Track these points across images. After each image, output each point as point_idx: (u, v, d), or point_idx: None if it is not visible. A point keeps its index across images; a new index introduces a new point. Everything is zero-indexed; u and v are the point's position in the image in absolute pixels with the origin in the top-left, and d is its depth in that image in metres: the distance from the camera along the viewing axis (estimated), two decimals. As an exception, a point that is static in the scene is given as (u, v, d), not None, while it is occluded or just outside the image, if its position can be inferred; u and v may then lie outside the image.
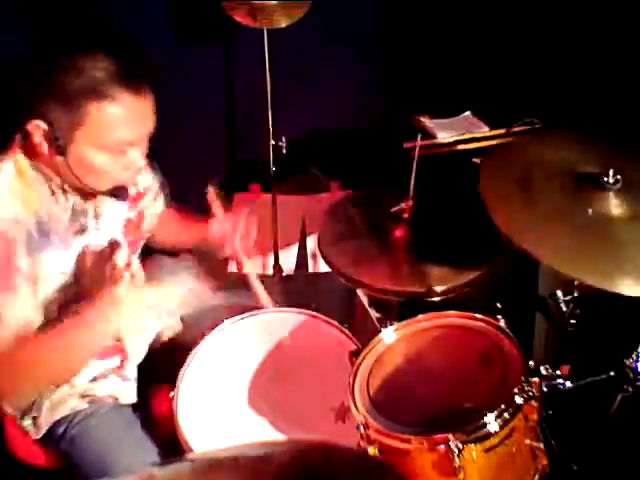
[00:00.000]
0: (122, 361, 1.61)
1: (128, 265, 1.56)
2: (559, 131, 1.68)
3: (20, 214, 1.31)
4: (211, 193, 1.67)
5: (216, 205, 1.68)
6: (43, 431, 1.54)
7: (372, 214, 1.85)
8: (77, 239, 1.42)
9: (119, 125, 1.26)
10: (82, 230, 1.43)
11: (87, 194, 1.41)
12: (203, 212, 1.73)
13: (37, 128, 1.26)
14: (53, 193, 1.37)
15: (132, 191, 1.56)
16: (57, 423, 1.53)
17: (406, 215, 1.73)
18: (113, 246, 1.49)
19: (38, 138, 1.28)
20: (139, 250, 1.65)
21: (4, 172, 1.32)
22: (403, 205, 1.73)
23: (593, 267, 1.35)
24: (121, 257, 1.51)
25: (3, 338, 1.28)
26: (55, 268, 1.38)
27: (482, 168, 1.56)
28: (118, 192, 1.39)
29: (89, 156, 1.29)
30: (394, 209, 1.75)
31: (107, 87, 1.23)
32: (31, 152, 1.33)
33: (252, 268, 1.67)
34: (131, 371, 1.64)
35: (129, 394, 1.61)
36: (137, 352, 1.64)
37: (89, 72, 1.22)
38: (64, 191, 1.38)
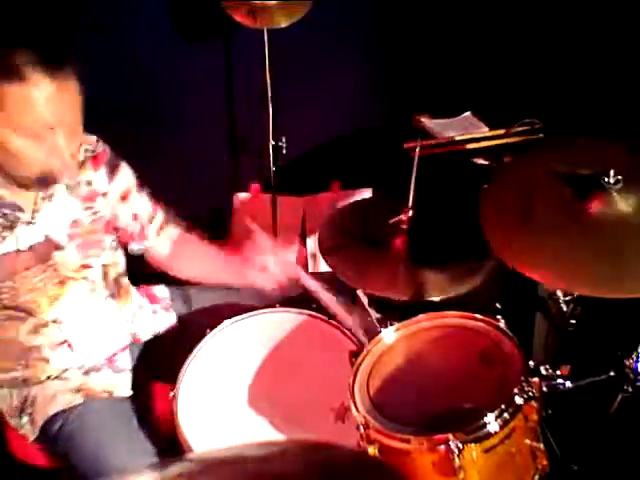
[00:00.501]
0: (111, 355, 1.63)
1: (84, 266, 1.54)
2: (557, 140, 1.68)
3: None
4: (252, 224, 1.58)
5: (261, 236, 1.57)
6: (39, 428, 1.54)
7: (372, 223, 1.84)
8: (4, 235, 1.42)
9: (36, 107, 1.27)
10: (10, 225, 1.42)
11: (20, 185, 1.40)
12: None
13: None
14: None
15: (85, 190, 1.53)
16: (52, 419, 1.53)
17: (405, 226, 1.73)
18: (48, 245, 1.48)
19: None
20: (100, 255, 1.58)
21: None
22: (402, 217, 1.72)
23: (600, 278, 1.34)
24: (66, 257, 1.50)
25: None
26: None
27: (481, 201, 1.54)
28: (45, 181, 1.38)
29: (8, 140, 1.30)
30: (393, 220, 1.74)
31: (25, 70, 1.25)
32: None
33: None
34: (124, 362, 1.65)
35: (124, 387, 1.62)
36: (99, 351, 1.63)
37: (7, 57, 1.25)
38: None
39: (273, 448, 0.56)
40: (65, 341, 1.56)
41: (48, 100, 1.27)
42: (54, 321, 1.54)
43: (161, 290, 1.82)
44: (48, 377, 1.55)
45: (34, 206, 1.46)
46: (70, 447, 1.50)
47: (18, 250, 1.44)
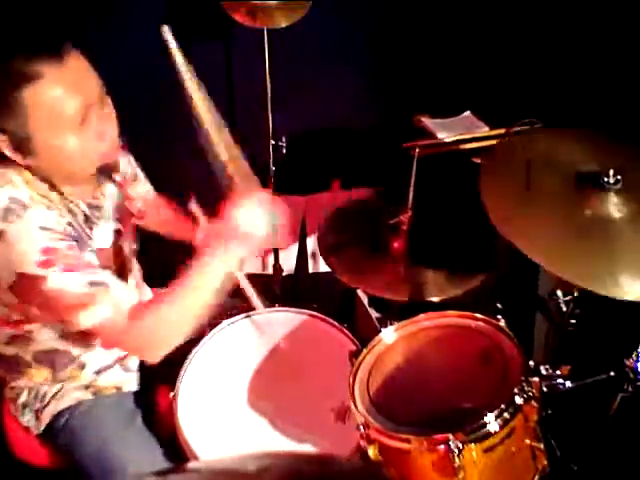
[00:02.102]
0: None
1: (134, 253, 1.60)
2: (558, 130, 1.67)
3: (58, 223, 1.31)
4: (193, 203, 1.64)
5: (199, 214, 1.65)
6: (44, 424, 1.55)
7: (371, 223, 1.84)
8: (93, 234, 1.43)
9: (61, 98, 1.23)
10: (92, 225, 1.44)
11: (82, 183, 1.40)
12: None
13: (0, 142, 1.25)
14: (60, 197, 1.36)
15: (118, 178, 1.56)
16: (59, 414, 1.54)
17: (404, 227, 1.73)
18: (118, 237, 1.52)
19: (7, 151, 1.27)
20: (135, 237, 1.65)
21: (20, 188, 1.29)
22: (401, 218, 1.72)
23: (593, 272, 1.33)
24: (126, 246, 1.55)
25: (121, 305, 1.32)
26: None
27: (482, 170, 1.55)
28: (109, 171, 1.39)
29: (57, 144, 1.26)
30: (392, 221, 1.74)
31: (29, 69, 1.21)
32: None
33: (246, 269, 1.64)
34: (133, 362, 1.66)
35: (132, 384, 1.63)
36: None
37: (13, 66, 1.21)
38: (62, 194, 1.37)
39: (272, 460, 0.55)
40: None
41: (66, 87, 1.23)
42: None
43: None
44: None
45: (97, 201, 1.47)
46: (74, 442, 1.51)
47: (100, 249, 1.44)
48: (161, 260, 1.86)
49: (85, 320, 1.28)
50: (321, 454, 0.59)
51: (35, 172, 1.32)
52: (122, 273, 1.52)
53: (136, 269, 1.66)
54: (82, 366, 1.55)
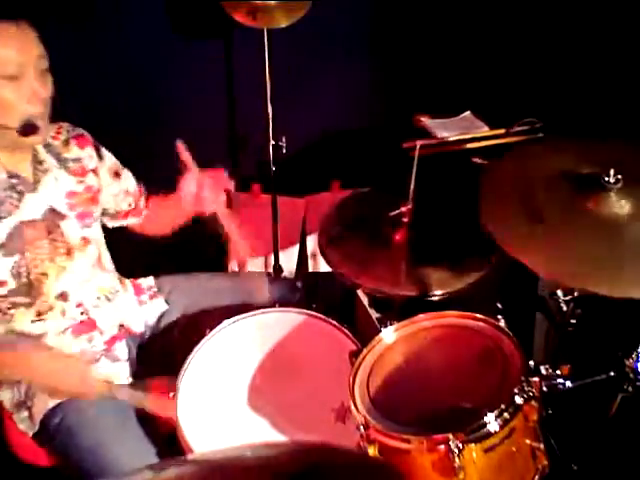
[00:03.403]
0: (110, 340, 1.65)
1: (85, 240, 1.60)
2: (558, 138, 1.67)
3: None
4: (180, 147, 1.62)
5: (187, 157, 1.64)
6: (38, 422, 1.54)
7: (372, 216, 1.84)
8: (16, 204, 1.46)
9: (4, 45, 1.35)
10: (19, 196, 1.47)
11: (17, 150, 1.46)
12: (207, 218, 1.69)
13: None
14: None
15: (75, 166, 1.60)
16: (51, 413, 1.53)
17: (405, 219, 1.73)
18: (54, 215, 1.54)
19: None
20: (95, 226, 1.65)
21: None
22: (402, 209, 1.72)
23: (602, 276, 1.33)
24: (70, 228, 1.57)
25: None
26: None
27: (482, 187, 1.53)
28: (29, 129, 1.42)
29: None
30: (393, 213, 1.74)
31: None
32: None
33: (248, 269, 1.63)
34: (121, 351, 1.66)
35: (122, 375, 1.64)
36: (110, 324, 1.66)
37: None
38: None
39: (273, 449, 0.56)
40: (68, 328, 1.58)
41: (9, 40, 1.35)
42: (61, 295, 1.55)
43: (147, 281, 1.84)
44: None
45: (34, 177, 1.52)
46: (69, 442, 1.51)
47: (29, 220, 1.49)
48: (134, 251, 1.87)
49: None
50: (323, 443, 0.59)
51: None
52: (54, 249, 1.54)
53: (103, 256, 1.68)
54: None
